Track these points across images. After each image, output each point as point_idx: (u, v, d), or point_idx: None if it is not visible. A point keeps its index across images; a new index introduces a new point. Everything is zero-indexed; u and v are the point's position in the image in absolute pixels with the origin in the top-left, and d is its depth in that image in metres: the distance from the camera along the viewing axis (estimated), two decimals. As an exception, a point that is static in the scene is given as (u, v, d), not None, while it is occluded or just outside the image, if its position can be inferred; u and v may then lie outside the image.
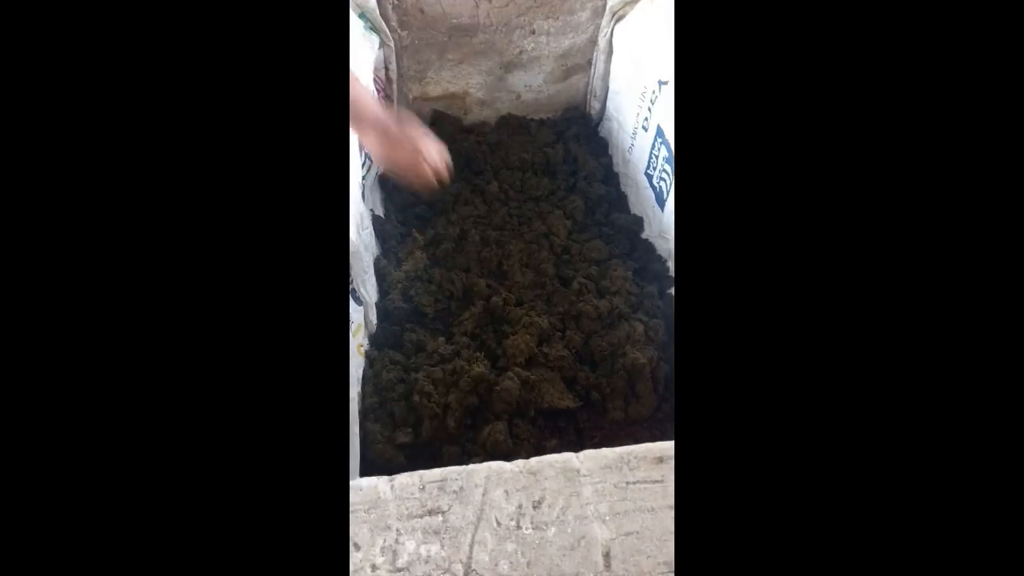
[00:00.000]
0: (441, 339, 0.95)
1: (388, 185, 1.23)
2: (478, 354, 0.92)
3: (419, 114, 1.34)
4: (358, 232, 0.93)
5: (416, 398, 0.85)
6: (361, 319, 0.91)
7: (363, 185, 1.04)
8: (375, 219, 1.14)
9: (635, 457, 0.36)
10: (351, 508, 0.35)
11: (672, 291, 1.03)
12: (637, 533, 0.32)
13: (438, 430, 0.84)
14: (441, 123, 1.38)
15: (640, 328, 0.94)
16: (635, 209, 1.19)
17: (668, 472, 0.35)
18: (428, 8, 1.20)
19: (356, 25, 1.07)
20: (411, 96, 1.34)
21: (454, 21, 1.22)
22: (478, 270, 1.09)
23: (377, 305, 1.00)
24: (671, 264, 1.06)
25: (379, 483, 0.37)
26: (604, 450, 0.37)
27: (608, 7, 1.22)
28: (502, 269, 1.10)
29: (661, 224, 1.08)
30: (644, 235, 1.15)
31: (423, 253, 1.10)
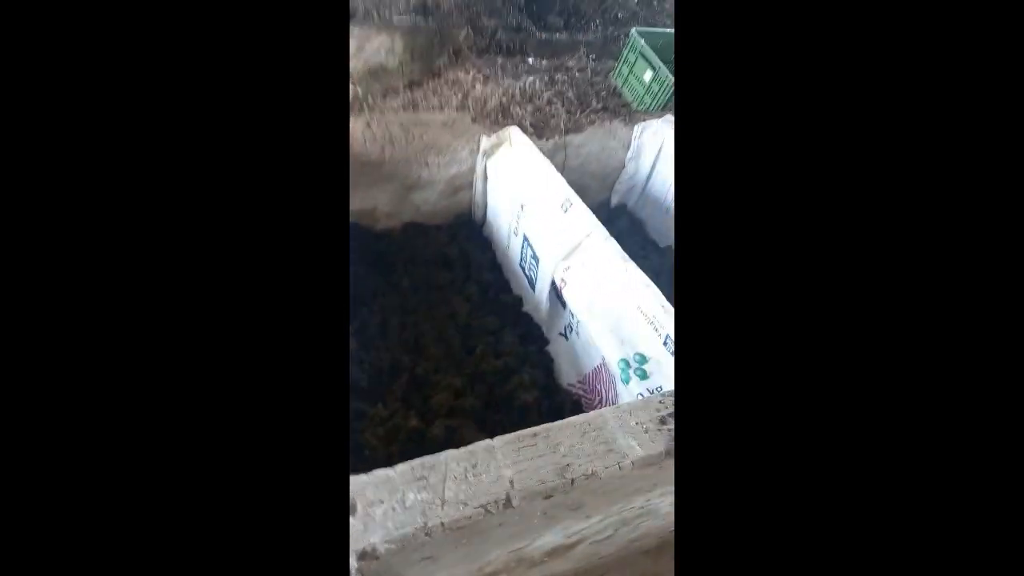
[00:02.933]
0: (379, 405, 1.21)
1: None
2: (410, 412, 1.19)
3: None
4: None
5: (366, 452, 1.09)
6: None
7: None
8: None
9: (522, 435, 0.69)
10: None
11: (548, 347, 1.43)
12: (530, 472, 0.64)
13: (385, 474, 1.09)
14: (355, 232, 1.69)
15: (526, 378, 1.30)
16: (515, 290, 1.60)
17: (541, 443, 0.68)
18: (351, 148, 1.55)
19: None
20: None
21: (364, 159, 1.59)
22: (400, 348, 1.38)
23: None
24: (544, 328, 1.47)
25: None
26: (507, 435, 0.70)
27: (481, 148, 1.69)
28: (419, 345, 1.40)
29: (534, 300, 1.49)
30: (524, 309, 1.55)
31: (353, 340, 1.37)
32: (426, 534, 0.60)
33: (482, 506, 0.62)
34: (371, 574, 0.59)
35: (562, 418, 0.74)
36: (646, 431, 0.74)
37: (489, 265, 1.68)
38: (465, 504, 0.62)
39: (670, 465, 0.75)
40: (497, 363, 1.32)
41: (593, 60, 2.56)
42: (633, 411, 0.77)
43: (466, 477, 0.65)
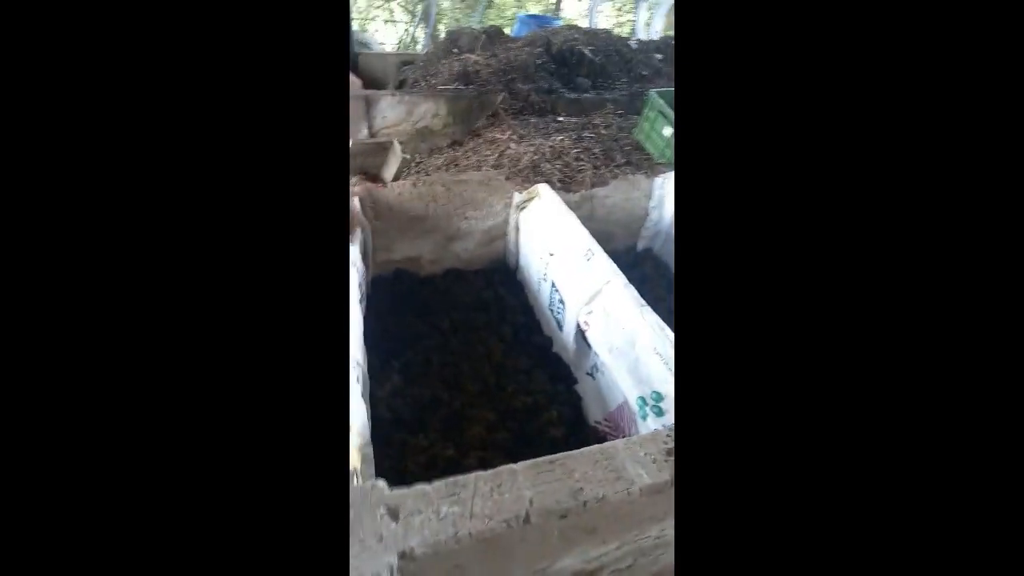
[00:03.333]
0: (420, 435, 1.34)
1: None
2: (448, 443, 1.31)
3: (384, 268, 1.84)
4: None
5: (408, 479, 1.21)
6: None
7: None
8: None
9: (545, 463, 0.79)
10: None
11: (576, 386, 1.52)
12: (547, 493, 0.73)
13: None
14: (402, 277, 1.88)
15: (555, 414, 1.40)
16: (545, 331, 1.72)
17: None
18: (395, 206, 1.76)
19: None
20: (380, 259, 1.85)
21: (412, 214, 1.80)
22: (440, 385, 1.52)
23: (368, 415, 1.38)
24: (572, 368, 1.57)
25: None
26: (528, 460, 0.80)
27: (514, 203, 1.86)
28: (458, 382, 1.53)
29: (562, 341, 1.60)
30: (554, 350, 1.66)
31: (399, 376, 1.52)
32: (456, 542, 0.70)
33: (504, 520, 0.73)
34: (408, 574, 0.70)
35: (581, 450, 0.84)
36: (654, 461, 0.82)
37: (522, 308, 1.81)
38: (490, 518, 0.73)
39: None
40: (528, 400, 1.43)
41: (619, 116, 2.75)
42: (643, 443, 0.86)
43: (491, 495, 0.76)
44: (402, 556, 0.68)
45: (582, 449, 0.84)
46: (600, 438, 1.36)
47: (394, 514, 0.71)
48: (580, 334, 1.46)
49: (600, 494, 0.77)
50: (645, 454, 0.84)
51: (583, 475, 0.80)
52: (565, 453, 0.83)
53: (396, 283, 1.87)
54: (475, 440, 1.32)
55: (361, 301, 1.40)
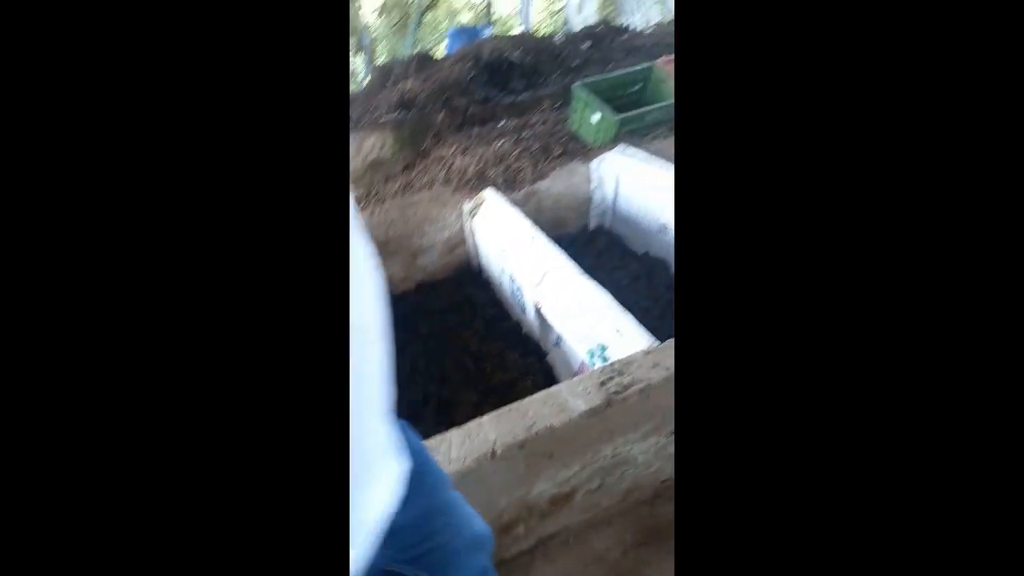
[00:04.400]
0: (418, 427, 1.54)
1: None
2: (441, 427, 1.51)
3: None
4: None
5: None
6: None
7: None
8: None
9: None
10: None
11: (547, 358, 1.73)
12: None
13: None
14: (380, 298, 2.09)
15: (530, 383, 1.60)
16: (513, 318, 1.92)
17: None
18: (359, 237, 1.97)
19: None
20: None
21: (375, 242, 2.00)
22: (428, 382, 1.72)
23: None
24: (540, 344, 1.77)
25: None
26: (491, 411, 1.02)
27: (465, 212, 2.07)
28: (443, 376, 1.73)
29: (527, 322, 1.81)
30: (524, 331, 1.86)
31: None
32: (440, 481, 0.91)
33: (475, 459, 0.93)
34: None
35: (529, 395, 1.05)
36: (588, 392, 1.03)
37: (491, 302, 2.02)
38: (463, 460, 0.93)
39: (613, 415, 1.03)
40: (505, 376, 1.63)
41: (556, 110, 2.96)
42: (581, 381, 1.06)
43: (463, 443, 0.97)
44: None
45: (535, 395, 1.05)
46: (571, 396, 1.57)
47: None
48: (538, 313, 1.67)
49: (548, 423, 0.97)
50: (583, 388, 1.04)
51: (535, 412, 1.00)
52: (520, 401, 1.04)
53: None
54: (463, 419, 1.52)
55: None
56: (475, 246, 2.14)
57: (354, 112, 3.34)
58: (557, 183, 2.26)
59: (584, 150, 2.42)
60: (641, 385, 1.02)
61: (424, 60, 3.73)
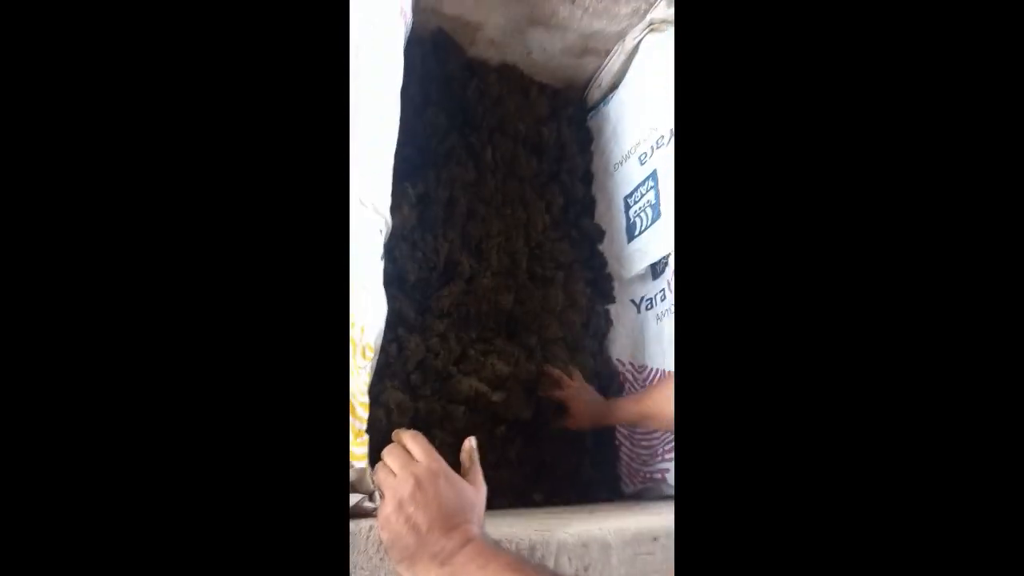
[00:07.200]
0: (416, 337, 1.02)
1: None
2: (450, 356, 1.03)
3: (422, 25, 1.19)
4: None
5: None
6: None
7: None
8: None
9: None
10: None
11: (611, 309, 1.27)
12: None
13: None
14: (441, 47, 1.25)
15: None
16: (599, 220, 1.34)
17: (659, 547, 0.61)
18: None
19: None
20: (424, 4, 1.17)
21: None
22: (459, 243, 1.15)
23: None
24: (615, 284, 1.28)
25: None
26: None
27: (648, 15, 1.22)
28: (480, 248, 1.17)
29: (618, 247, 1.27)
30: (600, 247, 1.32)
31: (412, 211, 1.10)
32: None
33: None
34: None
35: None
36: None
37: (582, 173, 1.37)
38: None
39: None
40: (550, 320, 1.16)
41: None
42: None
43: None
44: None
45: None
46: (618, 383, 1.20)
47: None
48: (657, 267, 1.14)
49: None
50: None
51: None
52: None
53: (433, 53, 1.24)
54: (481, 367, 1.06)
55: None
56: (619, 74, 1.34)
57: None
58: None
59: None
60: None
61: None
